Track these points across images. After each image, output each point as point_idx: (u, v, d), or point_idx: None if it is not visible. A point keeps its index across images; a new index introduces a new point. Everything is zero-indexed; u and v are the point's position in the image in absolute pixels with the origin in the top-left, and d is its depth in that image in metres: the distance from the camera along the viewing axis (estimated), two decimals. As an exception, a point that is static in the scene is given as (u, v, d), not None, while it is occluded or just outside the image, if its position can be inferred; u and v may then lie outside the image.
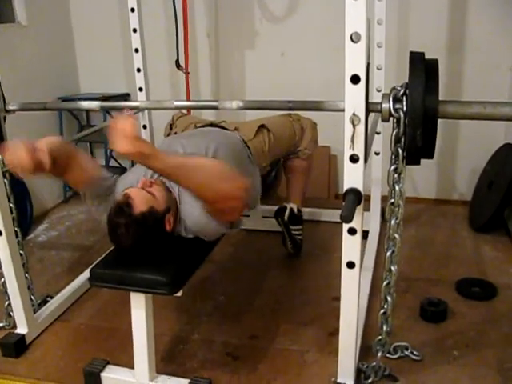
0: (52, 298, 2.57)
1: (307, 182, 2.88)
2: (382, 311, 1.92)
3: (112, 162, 4.13)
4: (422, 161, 1.63)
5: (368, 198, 3.06)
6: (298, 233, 2.89)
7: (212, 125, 2.59)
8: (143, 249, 1.82)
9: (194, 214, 1.92)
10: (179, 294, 1.81)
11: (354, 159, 1.51)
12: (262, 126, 2.51)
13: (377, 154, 2.98)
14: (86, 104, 2.02)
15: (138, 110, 2.93)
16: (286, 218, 2.78)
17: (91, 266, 1.94)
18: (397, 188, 1.71)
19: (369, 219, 3.10)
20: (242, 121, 2.73)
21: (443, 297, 2.44)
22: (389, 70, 2.87)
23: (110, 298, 2.58)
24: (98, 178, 2.05)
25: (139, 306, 1.86)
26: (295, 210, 2.80)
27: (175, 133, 2.64)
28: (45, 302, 2.54)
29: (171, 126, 2.74)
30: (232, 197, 1.83)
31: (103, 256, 2.03)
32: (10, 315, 2.35)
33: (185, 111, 2.97)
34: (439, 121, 1.53)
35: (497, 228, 3.18)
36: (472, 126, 3.17)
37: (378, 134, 2.89)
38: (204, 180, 1.78)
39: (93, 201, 2.05)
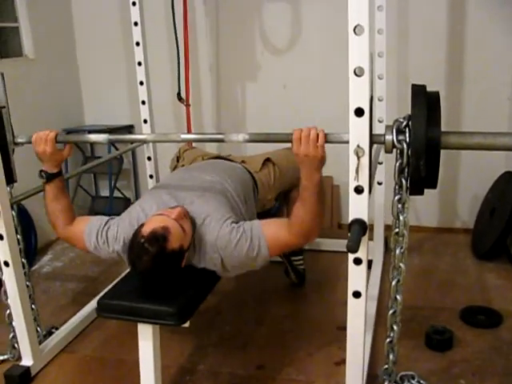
0: (57, 329, 2.57)
1: (321, 222, 2.88)
2: (388, 340, 1.92)
3: (116, 193, 4.16)
4: (425, 190, 1.66)
5: (371, 228, 3.08)
6: (299, 263, 2.91)
7: (219, 157, 2.61)
8: (156, 279, 1.83)
9: (242, 243, 1.87)
10: (187, 324, 1.82)
11: (358, 190, 1.54)
12: (267, 160, 2.54)
13: (379, 183, 3.01)
14: (93, 137, 2.05)
15: (144, 142, 2.98)
16: None
17: (98, 297, 1.95)
18: (401, 218, 1.73)
19: (372, 248, 3.11)
20: (246, 155, 2.74)
21: (448, 325, 2.44)
22: (389, 102, 2.92)
23: (116, 328, 2.58)
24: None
25: (147, 337, 1.87)
26: None
27: (182, 165, 2.65)
28: (50, 333, 2.54)
29: (178, 159, 2.76)
30: (316, 235, 1.88)
31: (110, 286, 2.04)
32: (14, 347, 2.35)
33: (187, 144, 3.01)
34: (441, 150, 1.56)
35: (500, 255, 3.19)
36: (473, 155, 3.24)
37: (381, 164, 2.92)
38: (322, 209, 1.83)
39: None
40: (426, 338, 2.37)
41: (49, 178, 2.05)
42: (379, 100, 2.87)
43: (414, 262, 3.20)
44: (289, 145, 1.71)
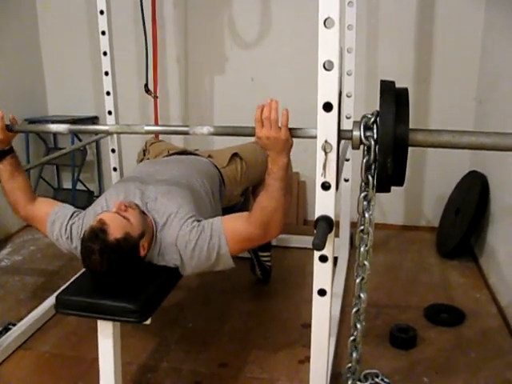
0: (14, 325, 2.49)
1: (284, 217, 2.85)
2: (351, 338, 1.90)
3: (79, 186, 4.07)
4: (391, 188, 1.64)
5: (337, 224, 3.07)
6: (266, 259, 2.88)
7: (186, 152, 2.57)
8: (117, 275, 1.78)
9: (201, 243, 1.83)
10: (148, 321, 1.77)
11: (325, 186, 1.51)
12: (234, 155, 2.50)
13: (346, 180, 3.01)
14: (54, 127, 1.97)
15: (107, 133, 2.91)
16: None
17: (57, 293, 1.89)
18: (366, 215, 1.71)
19: (338, 245, 3.11)
20: (213, 149, 2.70)
21: (412, 323, 2.45)
22: (357, 98, 2.91)
23: (76, 325, 2.52)
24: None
25: (107, 335, 1.82)
26: None
27: (148, 158, 2.61)
28: (6, 329, 2.46)
29: (144, 152, 2.71)
30: (279, 228, 1.83)
31: (70, 282, 1.98)
32: (-32, 344, 2.27)
33: (153, 137, 2.96)
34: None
35: (464, 254, 3.22)
36: (439, 153, 3.26)
37: (348, 160, 2.92)
38: (286, 197, 1.78)
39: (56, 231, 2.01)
40: (390, 337, 2.38)
41: (1, 155, 1.99)
42: (348, 96, 2.86)
43: (379, 259, 3.21)
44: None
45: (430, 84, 3.45)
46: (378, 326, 2.47)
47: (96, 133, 2.88)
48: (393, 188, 1.64)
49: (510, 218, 2.73)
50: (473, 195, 3.14)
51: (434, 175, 3.62)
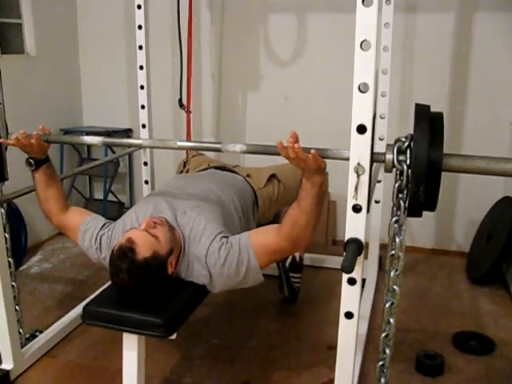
0: (41, 332, 2.52)
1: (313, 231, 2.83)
2: (380, 363, 1.87)
3: (110, 197, 4.12)
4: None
5: (366, 246, 3.04)
6: (296, 280, 2.86)
7: (225, 168, 2.57)
8: (144, 292, 1.79)
9: (230, 259, 1.83)
10: (173, 336, 1.78)
11: (356, 209, 1.50)
12: (272, 176, 2.50)
13: (377, 202, 2.98)
14: (88, 139, 2.01)
15: (140, 147, 2.94)
16: (287, 264, 2.75)
17: (84, 303, 1.90)
18: (397, 240, 1.69)
19: (366, 267, 3.08)
20: (254, 167, 2.69)
21: (439, 350, 2.41)
22: (391, 119, 2.90)
23: (101, 335, 2.53)
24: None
25: (131, 347, 1.83)
26: (297, 258, 2.77)
27: (187, 170, 2.63)
28: (33, 336, 2.49)
29: (185, 164, 2.74)
30: (308, 242, 1.85)
31: (97, 293, 2.00)
32: (-5, 349, 2.30)
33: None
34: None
35: (494, 281, 3.15)
36: (471, 178, 3.18)
37: (379, 182, 2.89)
38: (318, 213, 1.78)
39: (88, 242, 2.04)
40: (416, 362, 2.33)
41: (37, 164, 2.03)
42: (381, 117, 2.84)
43: (408, 283, 3.16)
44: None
45: (465, 107, 3.40)
46: (404, 351, 2.43)
47: (129, 146, 2.91)
48: (424, 212, 1.62)
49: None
50: (505, 221, 3.08)
51: (467, 199, 3.56)
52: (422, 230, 3.64)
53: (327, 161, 1.66)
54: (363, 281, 3.01)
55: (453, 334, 2.58)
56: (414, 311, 2.84)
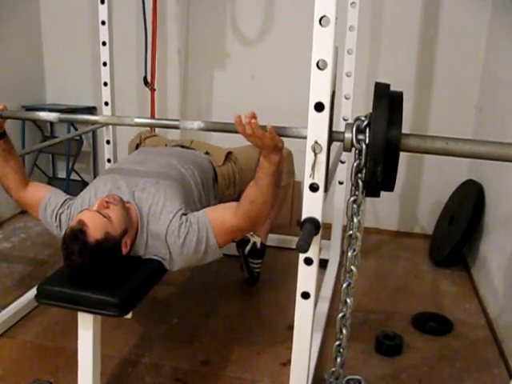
0: (-1, 312, 2.47)
1: (277, 216, 2.81)
2: (336, 343, 1.87)
3: (73, 176, 4.05)
4: (385, 193, 1.60)
5: (329, 227, 3.05)
6: (256, 266, 2.84)
7: (183, 146, 2.53)
8: (98, 273, 1.76)
9: (190, 237, 1.83)
10: (129, 316, 1.75)
11: (313, 188, 1.48)
12: (229, 154, 2.48)
13: (341, 183, 2.98)
14: (44, 115, 1.95)
15: (96, 123, 2.89)
16: (246, 251, 2.73)
17: (40, 282, 1.86)
18: (355, 220, 1.67)
19: (329, 248, 3.09)
20: (210, 144, 2.66)
21: (399, 330, 2.43)
22: (357, 100, 2.88)
23: (60, 316, 2.49)
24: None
25: (86, 327, 1.79)
26: (258, 245, 2.74)
27: None
28: (-10, 316, 2.44)
29: (137, 146, 2.68)
30: (265, 221, 1.84)
31: (52, 273, 1.96)
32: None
33: (148, 129, 2.93)
34: (404, 153, 1.51)
35: (456, 263, 3.19)
36: (436, 160, 3.23)
37: (343, 163, 2.89)
38: (275, 192, 1.77)
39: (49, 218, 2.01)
40: (375, 343, 2.35)
41: None
42: (346, 98, 2.83)
43: (371, 264, 3.18)
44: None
45: (431, 90, 3.42)
46: (364, 332, 2.45)
47: (86, 122, 2.86)
48: (388, 193, 1.60)
49: (503, 229, 2.71)
50: (468, 204, 3.11)
51: (431, 182, 3.59)
52: (386, 213, 3.66)
53: (292, 140, 1.64)
54: (326, 262, 3.03)
55: (413, 315, 2.61)
56: (375, 292, 2.86)
